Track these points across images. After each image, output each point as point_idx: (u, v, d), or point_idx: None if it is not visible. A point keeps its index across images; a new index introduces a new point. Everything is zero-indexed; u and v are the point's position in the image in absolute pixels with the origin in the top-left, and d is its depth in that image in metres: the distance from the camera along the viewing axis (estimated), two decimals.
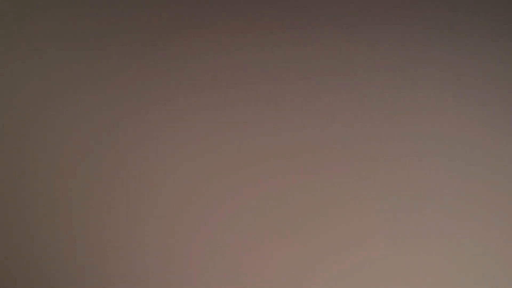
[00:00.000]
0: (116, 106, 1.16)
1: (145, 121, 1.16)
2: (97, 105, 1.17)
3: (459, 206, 1.10)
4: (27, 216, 1.17)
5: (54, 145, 1.17)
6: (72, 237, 1.16)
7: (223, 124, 1.15)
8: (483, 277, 1.09)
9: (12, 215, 1.17)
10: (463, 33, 1.12)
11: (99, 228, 1.16)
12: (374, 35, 1.13)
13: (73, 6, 1.18)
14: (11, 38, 1.19)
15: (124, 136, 1.16)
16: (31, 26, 1.19)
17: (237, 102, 1.15)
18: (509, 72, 1.11)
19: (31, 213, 1.17)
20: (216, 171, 1.14)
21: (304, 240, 1.12)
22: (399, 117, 1.12)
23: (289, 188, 1.13)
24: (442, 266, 1.10)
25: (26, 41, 1.19)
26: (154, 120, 1.16)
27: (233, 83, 1.15)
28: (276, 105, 1.14)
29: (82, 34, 1.18)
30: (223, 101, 1.15)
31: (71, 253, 1.16)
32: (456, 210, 1.10)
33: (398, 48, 1.13)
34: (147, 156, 1.16)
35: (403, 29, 1.13)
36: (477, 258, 1.09)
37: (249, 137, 1.14)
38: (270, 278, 1.12)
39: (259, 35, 1.15)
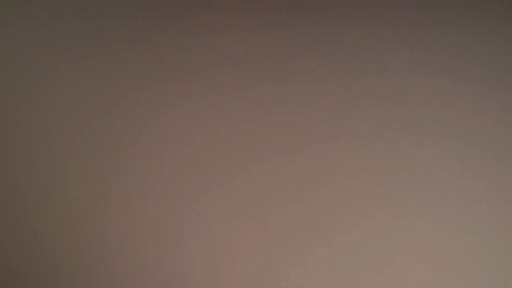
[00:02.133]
0: (110, 95, 1.16)
1: (139, 110, 1.16)
2: (92, 94, 1.17)
3: (457, 190, 1.11)
4: (23, 211, 1.17)
5: (49, 134, 1.17)
6: (65, 231, 1.16)
7: (215, 112, 1.15)
8: (485, 253, 1.09)
9: (7, 209, 1.17)
10: (467, 24, 1.12)
11: (91, 220, 1.16)
12: (376, 23, 1.13)
13: None
14: (9, 27, 1.19)
15: (117, 125, 1.16)
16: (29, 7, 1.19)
17: (229, 90, 1.15)
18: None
19: (26, 207, 1.17)
20: (208, 158, 1.14)
21: (298, 223, 1.12)
22: (396, 100, 1.12)
23: (284, 170, 1.13)
24: (444, 240, 1.10)
25: (19, 37, 1.18)
26: (147, 109, 1.16)
27: (223, 68, 1.15)
28: (268, 90, 1.14)
29: (78, 26, 1.18)
30: (216, 89, 1.15)
31: (66, 245, 1.16)
32: (454, 194, 1.11)
33: (404, 29, 1.13)
34: (142, 146, 1.16)
35: (406, 20, 1.13)
36: (479, 234, 1.10)
37: (242, 123, 1.14)
38: (264, 262, 1.12)
39: (250, 18, 1.15)
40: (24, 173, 1.17)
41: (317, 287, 1.11)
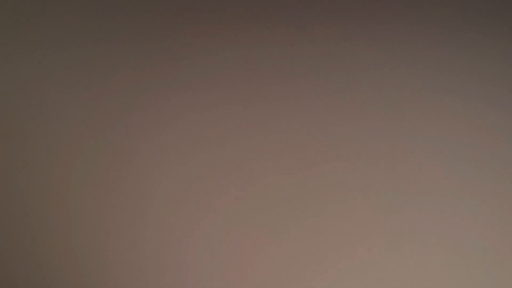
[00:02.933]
0: (114, 105, 1.16)
1: (143, 120, 1.16)
2: (95, 104, 1.17)
3: (457, 204, 1.10)
4: (25, 214, 1.17)
5: (53, 145, 1.17)
6: (69, 237, 1.16)
7: (220, 123, 1.15)
8: (482, 274, 1.09)
9: (11, 213, 1.17)
10: (464, 31, 1.12)
11: (97, 227, 1.15)
12: (375, 33, 1.13)
13: (73, 4, 1.18)
14: (11, 37, 1.19)
15: (122, 135, 1.16)
16: (31, 24, 1.19)
17: (233, 101, 1.15)
18: (509, 71, 1.11)
19: (30, 211, 1.17)
20: (213, 170, 1.14)
21: (302, 238, 1.12)
22: (397, 114, 1.12)
23: (287, 186, 1.13)
24: (440, 264, 1.10)
25: (25, 39, 1.19)
26: (152, 119, 1.16)
27: (231, 81, 1.15)
28: (272, 103, 1.14)
29: (80, 34, 1.18)
30: (220, 100, 1.15)
31: (68, 251, 1.16)
32: (454, 208, 1.10)
33: (397, 45, 1.13)
34: (145, 155, 1.15)
35: (403, 26, 1.13)
36: (475, 256, 1.09)
37: (245, 135, 1.14)
38: (268, 276, 1.12)
39: (256, 33, 1.15)
40: (28, 179, 1.17)
41: None
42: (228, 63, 1.15)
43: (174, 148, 1.15)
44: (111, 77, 1.17)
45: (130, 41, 1.17)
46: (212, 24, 1.16)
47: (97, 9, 1.18)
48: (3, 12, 1.19)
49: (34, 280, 1.16)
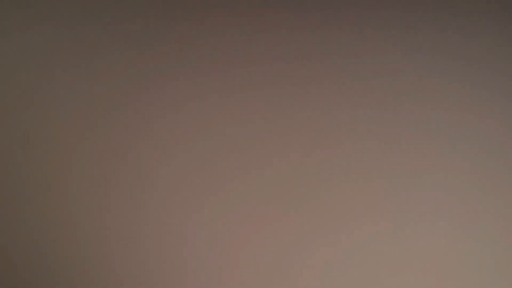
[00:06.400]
0: (111, 97, 1.17)
1: (140, 111, 1.16)
2: (93, 96, 1.17)
3: (458, 192, 1.11)
4: (24, 212, 1.17)
5: (50, 138, 1.17)
6: (66, 233, 1.16)
7: (218, 114, 1.15)
8: (482, 264, 1.09)
9: (9, 212, 1.17)
10: (466, 25, 1.13)
11: (94, 221, 1.16)
12: (376, 24, 1.14)
13: None
14: (6, 31, 1.19)
15: (119, 127, 1.16)
16: (27, 13, 1.19)
17: (233, 89, 1.15)
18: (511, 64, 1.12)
19: (28, 208, 1.17)
20: (211, 160, 1.14)
21: (300, 225, 1.12)
22: (398, 101, 1.13)
23: (289, 175, 1.13)
24: (441, 251, 1.10)
25: (21, 33, 1.18)
26: (149, 111, 1.16)
27: (231, 68, 1.15)
28: (271, 91, 1.14)
29: (77, 28, 1.18)
30: (219, 90, 1.15)
31: (66, 248, 1.16)
32: (455, 196, 1.11)
33: (400, 31, 1.13)
34: (143, 147, 1.16)
35: (405, 18, 1.13)
36: (481, 237, 1.10)
37: (245, 124, 1.14)
38: (267, 264, 1.12)
39: (254, 18, 1.15)
40: (26, 175, 1.17)
41: None
42: (228, 54, 1.15)
43: (172, 137, 1.15)
44: (107, 67, 1.17)
45: (125, 31, 1.17)
46: (211, 10, 1.16)
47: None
48: None
49: (34, 279, 1.16)
